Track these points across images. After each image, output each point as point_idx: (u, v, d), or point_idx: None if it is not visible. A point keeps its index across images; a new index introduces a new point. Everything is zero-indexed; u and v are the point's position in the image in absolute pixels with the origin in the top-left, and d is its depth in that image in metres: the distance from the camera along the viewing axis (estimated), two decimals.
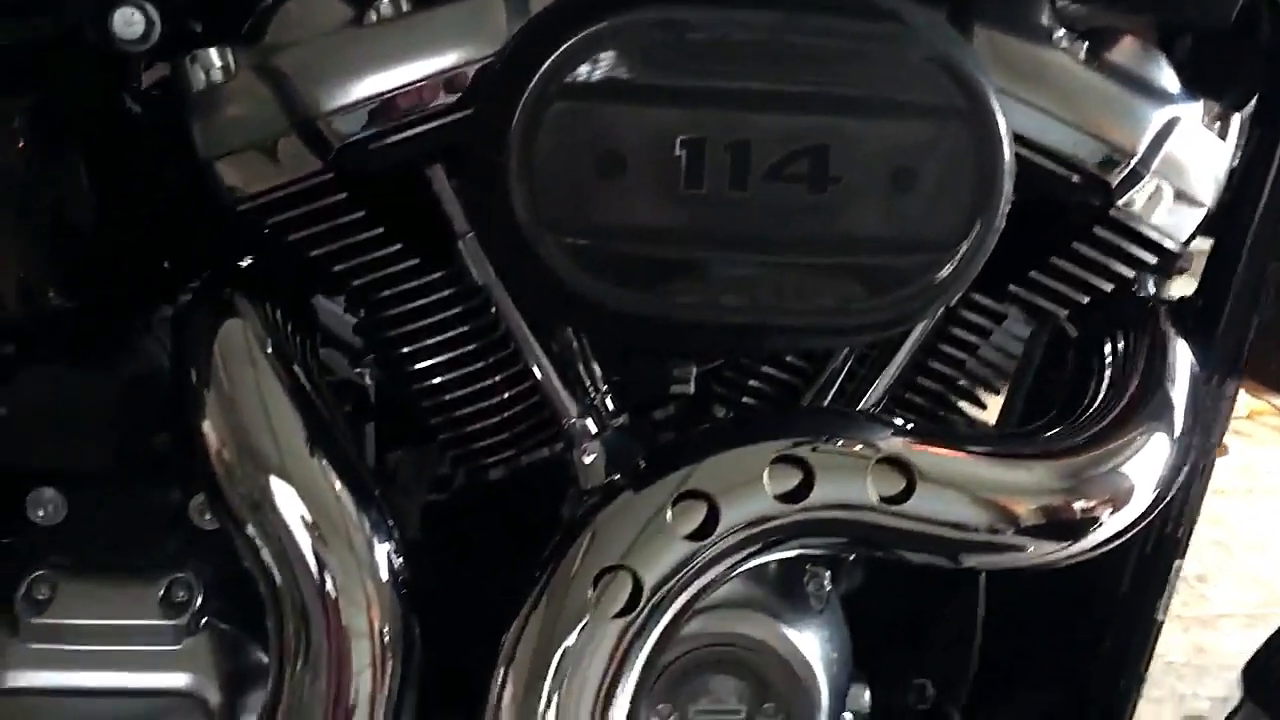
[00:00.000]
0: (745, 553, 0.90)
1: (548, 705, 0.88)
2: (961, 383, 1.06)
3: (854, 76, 0.85)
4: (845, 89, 0.86)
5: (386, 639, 0.94)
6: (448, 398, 1.03)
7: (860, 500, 0.90)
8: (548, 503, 1.08)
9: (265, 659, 1.04)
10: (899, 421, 0.96)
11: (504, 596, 0.99)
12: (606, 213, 0.86)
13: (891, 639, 1.12)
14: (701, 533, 0.89)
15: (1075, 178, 0.97)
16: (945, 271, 0.87)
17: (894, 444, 0.92)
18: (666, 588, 0.89)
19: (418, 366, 1.02)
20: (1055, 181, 0.96)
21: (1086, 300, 1.02)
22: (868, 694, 1.08)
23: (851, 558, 1.05)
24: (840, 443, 0.91)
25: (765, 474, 0.89)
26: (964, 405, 1.09)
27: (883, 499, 0.90)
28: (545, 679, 0.89)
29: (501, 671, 0.91)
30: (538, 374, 1.01)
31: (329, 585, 0.93)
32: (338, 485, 0.94)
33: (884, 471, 0.91)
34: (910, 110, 0.85)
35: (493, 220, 0.90)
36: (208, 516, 1.04)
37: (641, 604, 0.88)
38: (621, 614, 0.88)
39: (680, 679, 1.00)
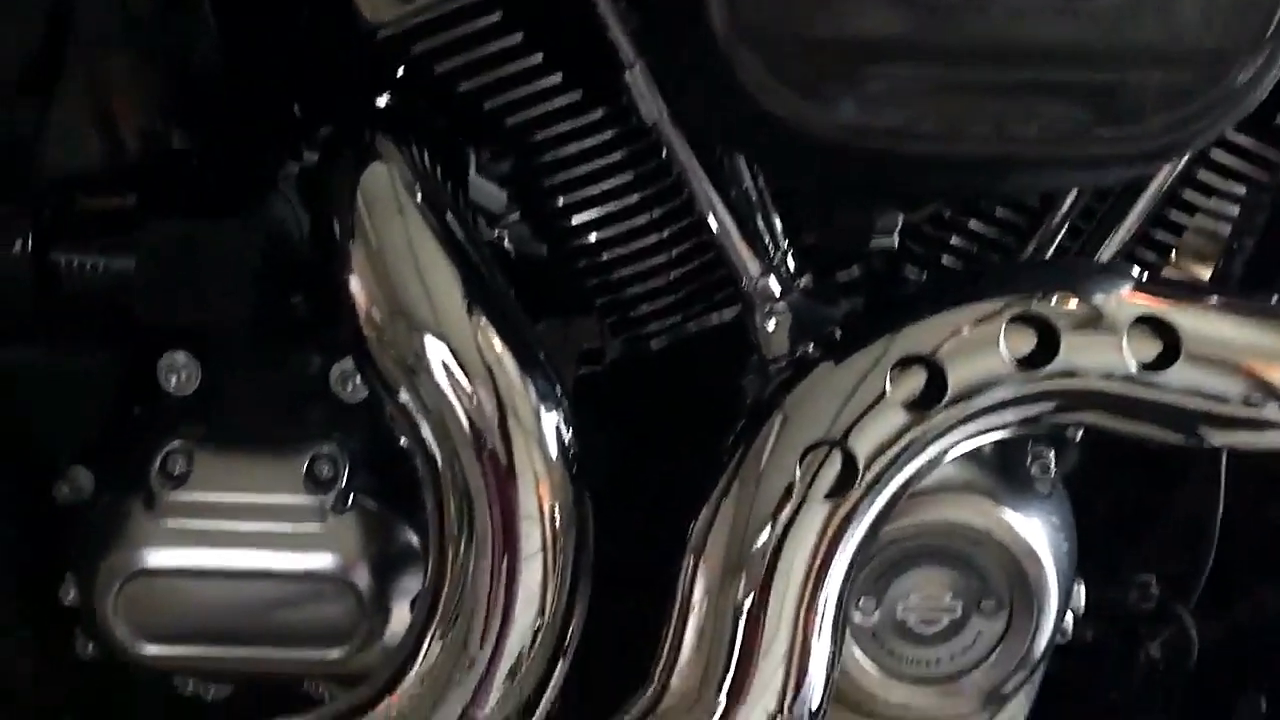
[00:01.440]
0: (974, 426, 0.78)
1: (746, 597, 0.78)
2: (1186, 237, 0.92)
3: None
4: None
5: (558, 520, 0.84)
6: (606, 256, 0.92)
7: (1114, 367, 0.77)
8: (716, 378, 0.97)
9: (417, 542, 0.96)
10: (1148, 276, 0.82)
11: (668, 482, 0.90)
12: (819, 20, 0.73)
13: (1112, 530, 0.99)
14: (925, 402, 0.77)
15: None
16: (1236, 84, 0.72)
17: (1152, 302, 0.78)
18: (883, 463, 0.78)
19: (575, 221, 0.91)
20: None
21: None
22: (1083, 590, 0.96)
23: (1078, 436, 0.93)
24: (1089, 299, 0.78)
25: (1001, 334, 0.77)
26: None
27: (1141, 366, 0.78)
28: (744, 569, 0.79)
29: (690, 563, 0.81)
30: (713, 227, 0.90)
31: (493, 460, 0.83)
32: (499, 348, 0.84)
33: (1142, 333, 0.78)
34: None
35: (679, 36, 0.77)
36: (350, 387, 0.95)
37: (856, 482, 0.77)
38: (833, 494, 0.77)
39: (887, 572, 0.88)
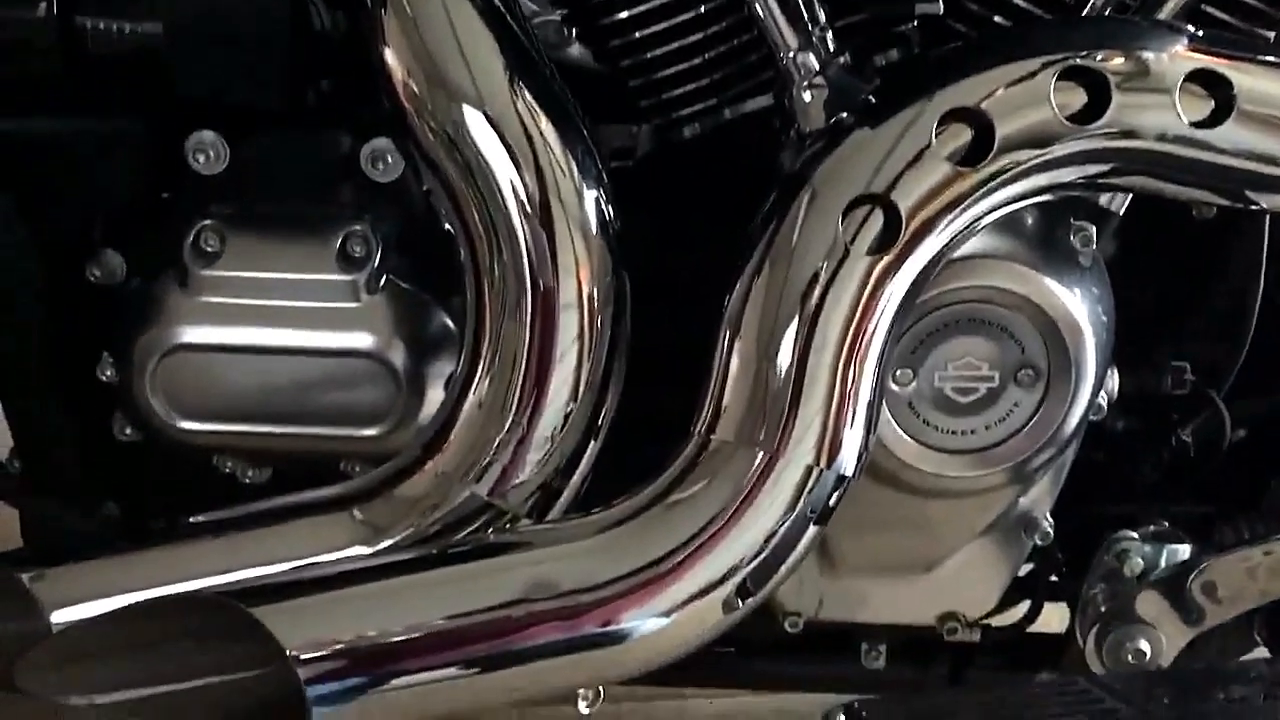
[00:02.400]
0: (1021, 184, 0.77)
1: (786, 353, 0.78)
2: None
3: None
4: None
5: (596, 301, 0.84)
6: (640, 35, 0.90)
7: (1165, 124, 0.76)
8: (748, 171, 0.95)
9: (451, 325, 0.95)
10: (1202, 34, 0.80)
11: (699, 274, 0.89)
12: None
13: (1149, 317, 0.98)
14: (971, 157, 0.76)
15: None
16: None
17: (1206, 58, 0.76)
18: (927, 218, 0.76)
19: None
20: None
21: None
22: (1116, 376, 0.96)
23: (1120, 210, 0.91)
24: (1141, 55, 0.76)
25: (1050, 89, 0.75)
26: None
27: (1192, 124, 0.76)
28: (783, 335, 0.78)
29: (726, 338, 0.80)
30: (756, 6, 0.87)
31: (533, 238, 0.83)
32: (541, 118, 0.83)
33: (1194, 90, 0.76)
34: None
35: None
36: (381, 167, 0.94)
37: (899, 237, 0.76)
38: (875, 250, 0.76)
39: (925, 341, 0.87)
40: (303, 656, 0.71)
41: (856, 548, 0.95)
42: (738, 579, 0.80)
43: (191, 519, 0.90)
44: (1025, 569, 1.05)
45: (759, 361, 0.78)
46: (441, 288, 0.96)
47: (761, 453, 0.79)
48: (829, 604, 0.99)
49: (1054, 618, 1.13)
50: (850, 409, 0.78)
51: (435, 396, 0.95)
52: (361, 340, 0.93)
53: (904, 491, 0.91)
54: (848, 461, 0.80)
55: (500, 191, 0.83)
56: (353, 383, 0.93)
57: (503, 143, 0.83)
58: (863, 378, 0.78)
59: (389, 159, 0.92)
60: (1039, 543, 0.97)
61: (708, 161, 0.97)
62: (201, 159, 0.93)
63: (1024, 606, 1.08)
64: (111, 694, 0.76)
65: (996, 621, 1.05)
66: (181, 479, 1.00)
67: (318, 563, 0.82)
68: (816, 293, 0.78)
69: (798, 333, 0.78)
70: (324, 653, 0.73)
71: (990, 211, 0.79)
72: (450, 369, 0.95)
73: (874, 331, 0.78)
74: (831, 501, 0.80)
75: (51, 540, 1.00)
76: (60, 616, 0.81)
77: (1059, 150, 0.77)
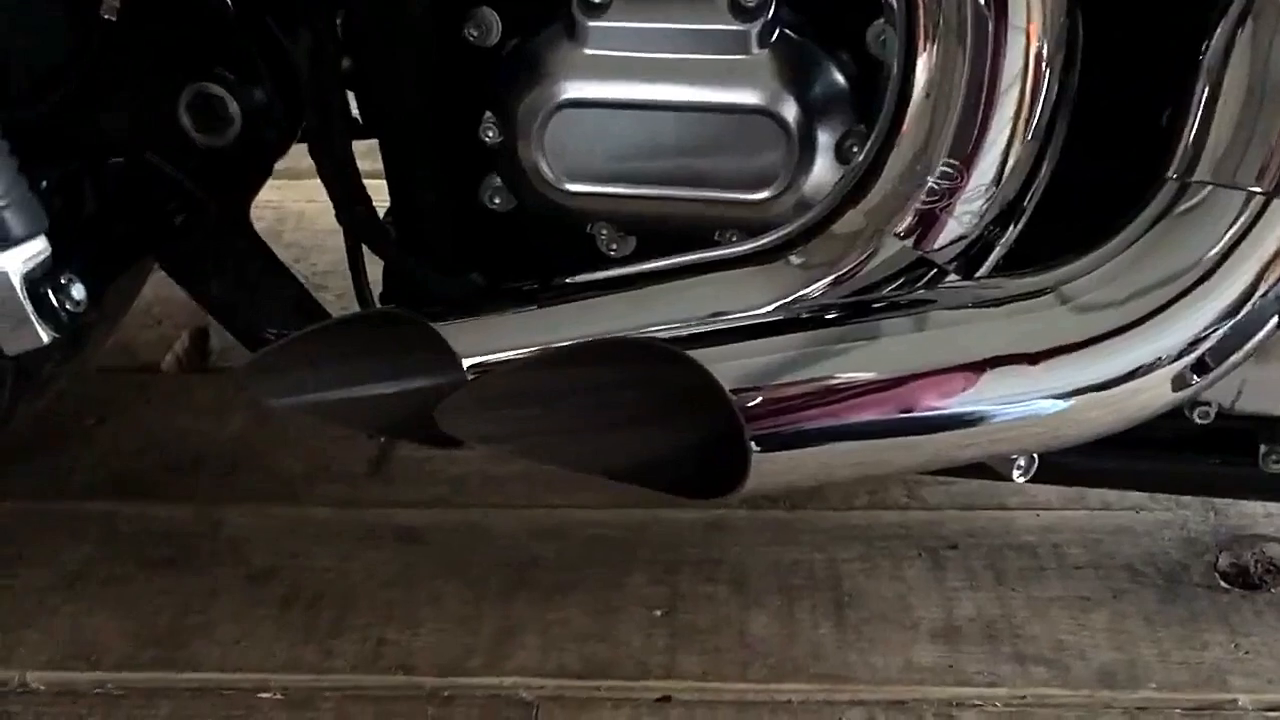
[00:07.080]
0: None
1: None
2: None
3: None
4: None
5: (1046, 44, 0.74)
6: None
7: None
8: None
9: (844, 82, 0.89)
10: None
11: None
12: None
13: None
14: None
15: None
16: None
17: None
18: None
19: None
20: None
21: None
22: None
23: None
24: None
25: None
26: None
27: None
28: None
29: (1210, 73, 0.70)
30: None
31: None
32: None
33: None
34: None
35: None
36: None
37: None
38: None
39: None
40: (743, 401, 0.68)
41: None
42: (1201, 348, 0.71)
43: (579, 278, 0.88)
44: None
45: (1252, 89, 0.69)
46: (833, 41, 0.90)
47: (1251, 193, 0.70)
48: (1249, 393, 0.89)
49: None
50: None
51: (825, 160, 0.89)
52: (753, 95, 0.87)
53: None
54: None
55: None
56: (743, 142, 0.88)
57: None
58: None
59: None
60: None
61: None
62: None
63: None
64: (534, 438, 0.75)
65: None
66: (546, 251, 0.99)
67: (746, 312, 0.78)
68: None
69: None
70: (764, 398, 0.69)
71: None
72: (842, 129, 0.89)
73: None
74: None
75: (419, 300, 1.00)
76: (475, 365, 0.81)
77: None
